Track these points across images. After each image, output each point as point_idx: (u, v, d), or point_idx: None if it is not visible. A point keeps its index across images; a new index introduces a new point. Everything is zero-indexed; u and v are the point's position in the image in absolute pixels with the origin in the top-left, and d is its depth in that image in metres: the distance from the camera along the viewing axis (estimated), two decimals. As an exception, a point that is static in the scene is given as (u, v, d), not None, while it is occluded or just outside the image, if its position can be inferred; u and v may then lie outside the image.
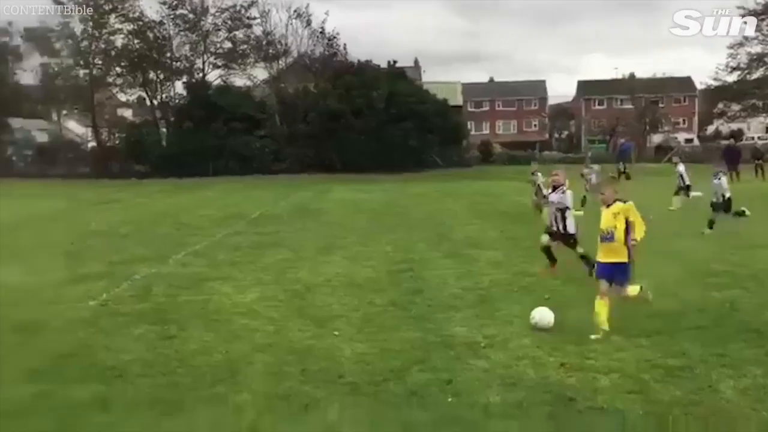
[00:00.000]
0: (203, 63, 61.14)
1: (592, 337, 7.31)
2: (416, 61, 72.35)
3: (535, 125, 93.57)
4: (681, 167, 21.51)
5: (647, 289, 8.13)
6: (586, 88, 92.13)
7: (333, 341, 7.62)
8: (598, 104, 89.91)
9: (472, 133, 75.09)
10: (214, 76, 61.35)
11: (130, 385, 6.33)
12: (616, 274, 7.73)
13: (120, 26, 59.44)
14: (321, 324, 8.40)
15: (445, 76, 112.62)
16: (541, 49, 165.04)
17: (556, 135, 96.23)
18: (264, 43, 59.71)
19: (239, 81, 61.82)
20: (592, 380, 6.19)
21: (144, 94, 63.48)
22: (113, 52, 60.09)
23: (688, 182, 20.93)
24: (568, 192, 11.29)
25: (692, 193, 20.65)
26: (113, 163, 57.99)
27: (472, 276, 11.24)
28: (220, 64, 61.49)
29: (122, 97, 67.71)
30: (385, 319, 8.63)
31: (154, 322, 8.60)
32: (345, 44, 59.46)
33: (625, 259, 7.68)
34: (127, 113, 71.28)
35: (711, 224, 15.35)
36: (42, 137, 62.76)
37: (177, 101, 61.02)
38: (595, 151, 61.73)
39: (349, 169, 48.45)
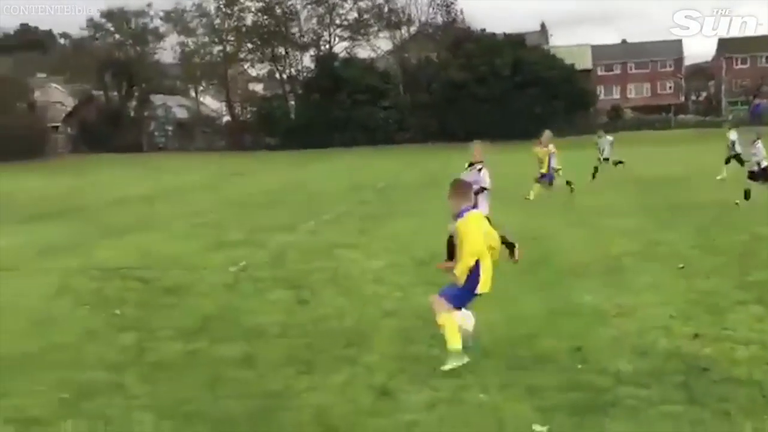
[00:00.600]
0: (329, 35, 62.40)
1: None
2: (542, 26, 70.51)
3: (669, 87, 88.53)
4: (733, 135, 19.65)
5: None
6: (727, 45, 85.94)
7: (460, 307, 7.74)
8: (741, 63, 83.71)
9: (602, 97, 72.37)
10: (339, 49, 62.61)
11: (270, 345, 6.74)
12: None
13: (250, 3, 61.68)
14: (447, 291, 8.53)
15: (573, 40, 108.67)
16: (679, 7, 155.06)
17: (693, 97, 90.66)
18: (386, 10, 60.02)
19: (363, 53, 62.83)
20: (729, 351, 5.98)
21: (273, 69, 65.80)
22: (244, 29, 62.52)
23: (739, 151, 19.11)
24: (485, 171, 9.99)
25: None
26: (246, 136, 60.61)
27: (600, 244, 11.02)
28: (345, 36, 62.53)
29: (253, 72, 70.63)
30: (511, 287, 8.63)
31: (289, 287, 9.06)
32: (461, 9, 58.78)
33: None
34: (258, 87, 74.21)
35: (747, 195, 14.35)
36: (181, 113, 66.51)
37: (305, 74, 62.76)
38: (735, 113, 57.84)
39: (472, 138, 48.04)
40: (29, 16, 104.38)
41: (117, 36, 64.70)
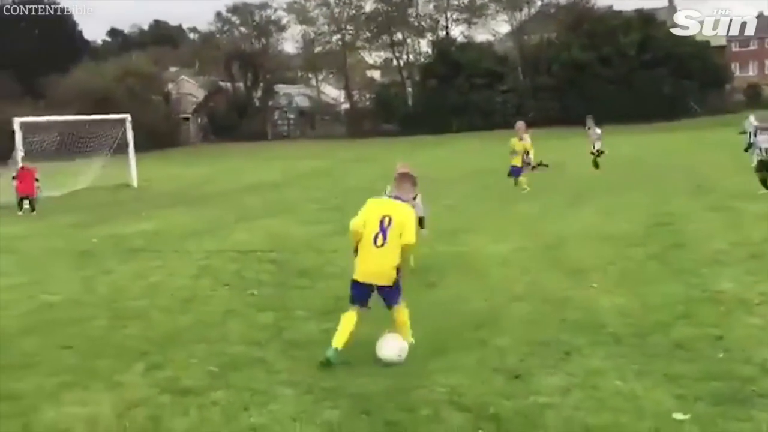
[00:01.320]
0: (446, 20, 62.14)
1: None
2: (671, 0, 66.78)
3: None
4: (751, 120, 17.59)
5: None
6: None
7: (590, 293, 7.64)
8: None
9: (737, 74, 67.90)
10: (456, 33, 62.26)
11: (401, 326, 6.91)
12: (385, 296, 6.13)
13: (367, -9, 62.44)
14: (576, 276, 8.43)
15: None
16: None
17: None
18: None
19: (481, 36, 62.12)
20: None
21: (391, 55, 66.38)
22: (362, 17, 63.38)
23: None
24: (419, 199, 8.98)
25: None
26: (364, 123, 61.60)
27: (740, 230, 10.47)
28: (462, 19, 62.05)
29: (370, 60, 71.48)
30: (645, 272, 8.42)
31: (415, 271, 9.18)
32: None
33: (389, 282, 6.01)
34: (376, 74, 75.09)
35: (765, 183, 13.46)
36: (303, 102, 68.45)
37: (422, 60, 62.89)
38: None
39: (596, 120, 46.53)
40: (162, 12, 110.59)
41: (242, 29, 67.28)
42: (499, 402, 4.95)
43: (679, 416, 4.53)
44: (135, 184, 24.94)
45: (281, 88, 67.36)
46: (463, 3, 61.91)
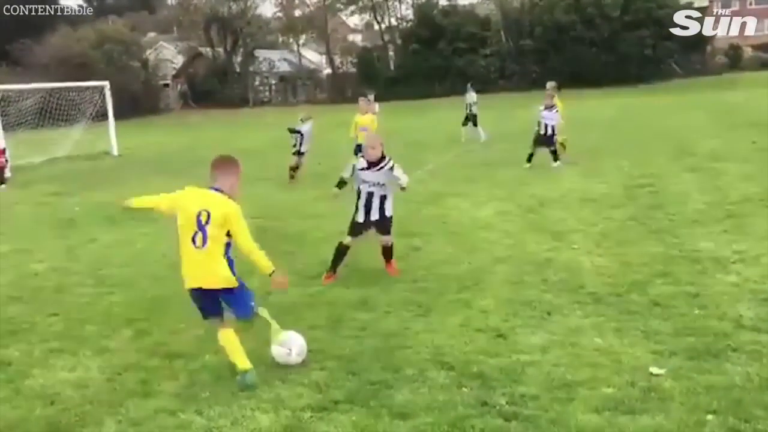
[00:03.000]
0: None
1: None
2: (653, -40, 66.36)
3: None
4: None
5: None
6: None
7: (571, 254, 7.78)
8: None
9: (718, 36, 67.90)
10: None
11: (385, 289, 7.01)
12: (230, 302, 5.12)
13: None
14: (558, 238, 8.57)
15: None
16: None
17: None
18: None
19: (463, 0, 61.51)
20: None
21: (372, 19, 65.65)
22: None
23: None
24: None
25: None
26: (346, 88, 61.12)
27: (718, 190, 10.65)
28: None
29: (351, 24, 70.64)
30: (625, 233, 8.56)
31: (401, 234, 9.24)
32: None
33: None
34: (357, 38, 74.32)
35: (530, 158, 14.41)
36: (283, 67, 67.70)
37: (404, 24, 62.29)
38: None
39: (578, 83, 46.60)
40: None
41: (221, -8, 66.17)
42: (483, 360, 5.08)
43: (655, 370, 4.69)
44: (116, 152, 24.69)
45: (261, 53, 66.54)
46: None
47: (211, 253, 4.90)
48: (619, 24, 49.05)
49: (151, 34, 69.92)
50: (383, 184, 7.41)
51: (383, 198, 7.47)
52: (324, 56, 68.46)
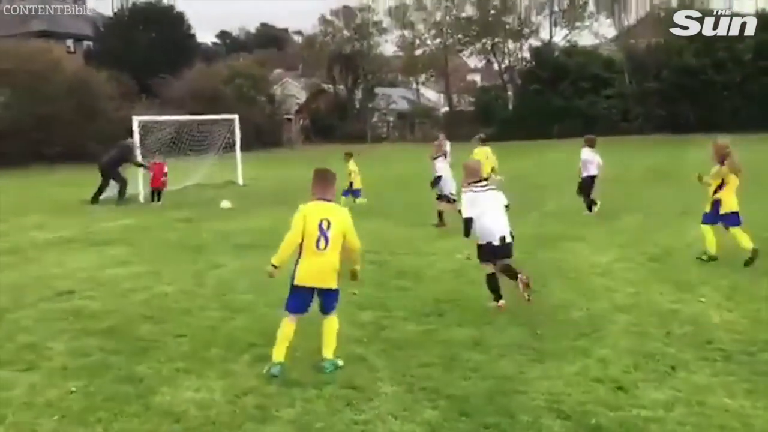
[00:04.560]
0: (550, 24, 61.20)
1: None
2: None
3: None
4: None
5: None
6: None
7: (698, 307, 7.42)
8: None
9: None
10: (559, 38, 61.19)
11: (500, 331, 6.93)
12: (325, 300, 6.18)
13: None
14: (683, 289, 8.20)
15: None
16: None
17: None
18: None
19: (584, 40, 60.73)
20: None
21: (491, 59, 65.90)
22: (463, 20, 63.29)
23: None
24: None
25: None
26: (463, 127, 61.33)
27: None
28: (565, 23, 60.96)
29: (471, 64, 71.15)
30: (757, 288, 8.09)
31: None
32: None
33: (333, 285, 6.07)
34: (476, 77, 74.59)
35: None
36: (402, 104, 68.90)
37: (524, 64, 62.12)
38: None
39: (705, 128, 44.63)
40: (268, 14, 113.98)
41: (345, 32, 68.47)
42: (602, 412, 4.92)
43: (793, 439, 4.39)
44: (241, 182, 25.85)
45: (381, 90, 68.10)
46: (566, 7, 60.76)
47: (331, 257, 5.86)
48: (754, 68, 46.78)
49: (278, 71, 73.14)
50: None
51: None
52: (442, 95, 69.16)
